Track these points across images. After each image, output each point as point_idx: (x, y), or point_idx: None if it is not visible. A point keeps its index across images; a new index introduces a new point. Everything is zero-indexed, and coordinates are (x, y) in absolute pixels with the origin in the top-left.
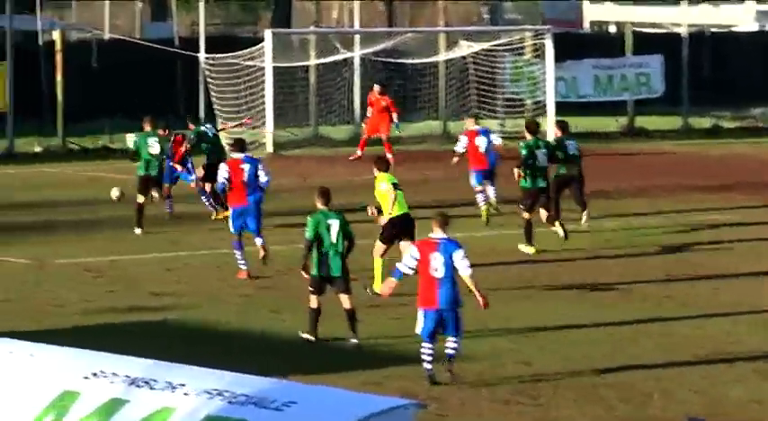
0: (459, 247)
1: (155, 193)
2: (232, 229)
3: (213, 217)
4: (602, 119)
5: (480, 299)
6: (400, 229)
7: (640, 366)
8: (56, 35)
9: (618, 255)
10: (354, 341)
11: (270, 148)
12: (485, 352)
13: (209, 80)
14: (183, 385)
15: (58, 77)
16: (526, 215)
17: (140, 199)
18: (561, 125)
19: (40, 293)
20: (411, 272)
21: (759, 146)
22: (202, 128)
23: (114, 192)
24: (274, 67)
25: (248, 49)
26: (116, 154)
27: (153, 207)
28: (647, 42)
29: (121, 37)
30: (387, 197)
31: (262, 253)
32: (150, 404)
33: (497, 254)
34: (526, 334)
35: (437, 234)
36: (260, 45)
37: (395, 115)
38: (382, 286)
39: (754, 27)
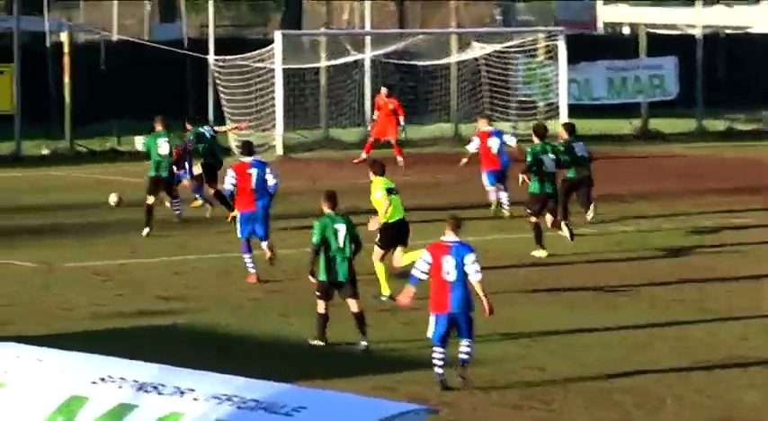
0: (471, 251)
1: (167, 204)
2: (240, 234)
3: (208, 214)
4: (616, 121)
5: (486, 305)
6: (396, 235)
7: (654, 371)
8: (63, 36)
9: (630, 257)
10: (364, 343)
11: (279, 151)
12: (496, 356)
13: (218, 82)
14: (192, 390)
15: (66, 79)
16: (534, 219)
17: (150, 200)
18: (567, 128)
19: (48, 297)
20: (425, 276)
21: None
22: (200, 129)
23: (112, 198)
24: (284, 69)
25: (258, 51)
26: (124, 156)
27: (161, 210)
28: (662, 44)
29: (130, 38)
30: (381, 204)
31: (268, 254)
32: (158, 409)
33: (509, 257)
34: (537, 338)
35: (449, 237)
36: (270, 47)
37: (401, 118)
38: (401, 296)
39: None
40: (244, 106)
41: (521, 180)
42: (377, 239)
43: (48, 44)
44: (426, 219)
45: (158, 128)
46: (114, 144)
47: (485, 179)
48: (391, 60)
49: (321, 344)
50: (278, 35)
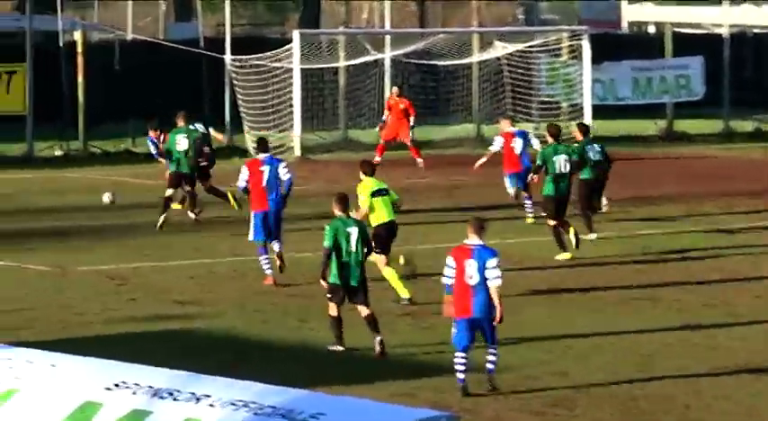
0: (494, 255)
1: (190, 214)
2: (251, 237)
3: (187, 209)
4: (641, 122)
5: (498, 313)
6: (389, 237)
7: (680, 377)
8: (77, 36)
9: (656, 260)
10: (379, 338)
11: (298, 152)
12: (518, 361)
13: (235, 82)
14: (208, 396)
15: (80, 79)
16: (551, 222)
17: (169, 192)
18: (582, 129)
19: (61, 301)
20: (453, 281)
21: None
22: (191, 126)
23: (105, 197)
24: (302, 69)
25: (276, 51)
26: (139, 158)
27: (176, 212)
28: (688, 43)
29: (145, 38)
30: (363, 207)
31: (278, 262)
32: (174, 415)
33: (531, 260)
34: (561, 343)
35: (472, 240)
36: (288, 46)
37: (412, 118)
38: (445, 308)
39: None
40: (261, 107)
41: (529, 179)
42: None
43: (61, 43)
44: (445, 221)
45: (180, 123)
46: (129, 145)
47: (506, 181)
48: (412, 60)
49: (340, 348)
50: (296, 34)
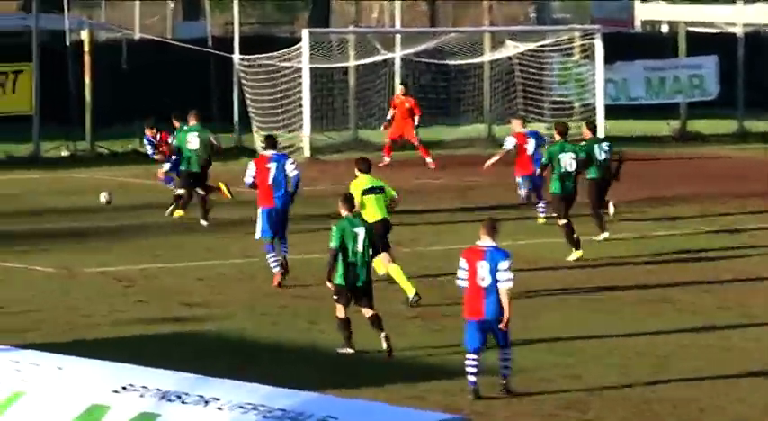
0: (506, 257)
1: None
2: (258, 235)
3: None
4: (654, 122)
5: (505, 316)
6: (384, 234)
7: (694, 379)
8: (84, 35)
9: (670, 260)
10: (384, 334)
11: (307, 153)
12: (530, 364)
13: (243, 82)
14: (217, 399)
15: (87, 79)
16: (561, 221)
17: (180, 191)
18: (590, 127)
19: (69, 303)
20: (466, 283)
21: None
22: (186, 127)
23: (103, 197)
24: (312, 69)
25: (285, 50)
26: (147, 158)
27: (184, 214)
28: (701, 43)
29: (152, 37)
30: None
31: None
32: (182, 418)
33: (544, 261)
34: (574, 345)
35: (485, 242)
36: (297, 45)
37: (417, 117)
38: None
39: None
40: (270, 107)
41: (537, 172)
42: None
43: (68, 43)
44: (457, 221)
45: (192, 122)
46: (136, 145)
47: (519, 183)
48: (422, 59)
49: (350, 351)
50: (305, 33)
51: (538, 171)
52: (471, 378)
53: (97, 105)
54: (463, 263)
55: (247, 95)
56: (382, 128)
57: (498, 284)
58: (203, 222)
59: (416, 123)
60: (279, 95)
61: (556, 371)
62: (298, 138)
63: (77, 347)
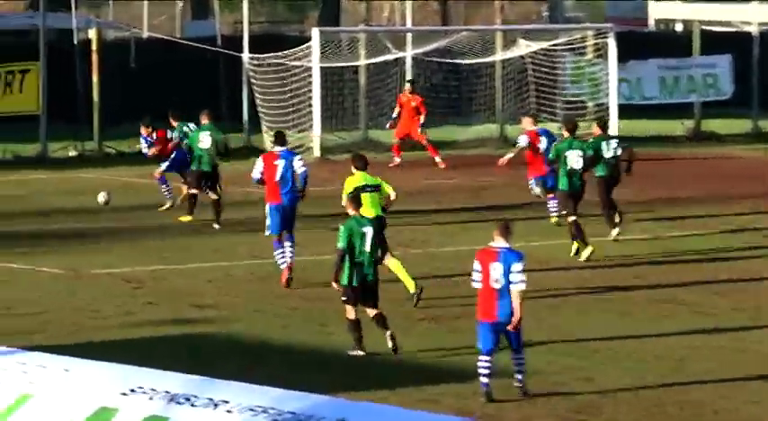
0: (520, 259)
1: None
2: (269, 231)
3: (162, 209)
4: (668, 122)
5: (515, 318)
6: (381, 230)
7: (708, 381)
8: (92, 34)
9: (683, 261)
10: (389, 332)
11: (317, 153)
12: (543, 366)
13: (253, 81)
14: (226, 402)
15: (94, 78)
16: (570, 219)
17: (193, 190)
18: (600, 124)
19: (76, 305)
20: (480, 285)
21: None
22: (185, 127)
23: (101, 197)
24: (322, 68)
25: (295, 49)
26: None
27: (197, 214)
28: (716, 41)
29: (161, 36)
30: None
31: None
32: None
33: (556, 262)
34: (587, 347)
35: (498, 243)
36: (307, 44)
37: (422, 116)
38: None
39: None
40: (279, 106)
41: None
42: None
43: (75, 42)
44: (467, 220)
45: (204, 121)
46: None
47: (532, 184)
48: (433, 59)
49: (360, 353)
50: (315, 32)
51: (546, 167)
52: (484, 380)
53: (105, 105)
54: (477, 264)
55: (257, 95)
56: (387, 126)
57: (510, 286)
58: (216, 226)
59: (421, 122)
60: (288, 95)
61: (568, 373)
62: (308, 138)
63: (85, 349)
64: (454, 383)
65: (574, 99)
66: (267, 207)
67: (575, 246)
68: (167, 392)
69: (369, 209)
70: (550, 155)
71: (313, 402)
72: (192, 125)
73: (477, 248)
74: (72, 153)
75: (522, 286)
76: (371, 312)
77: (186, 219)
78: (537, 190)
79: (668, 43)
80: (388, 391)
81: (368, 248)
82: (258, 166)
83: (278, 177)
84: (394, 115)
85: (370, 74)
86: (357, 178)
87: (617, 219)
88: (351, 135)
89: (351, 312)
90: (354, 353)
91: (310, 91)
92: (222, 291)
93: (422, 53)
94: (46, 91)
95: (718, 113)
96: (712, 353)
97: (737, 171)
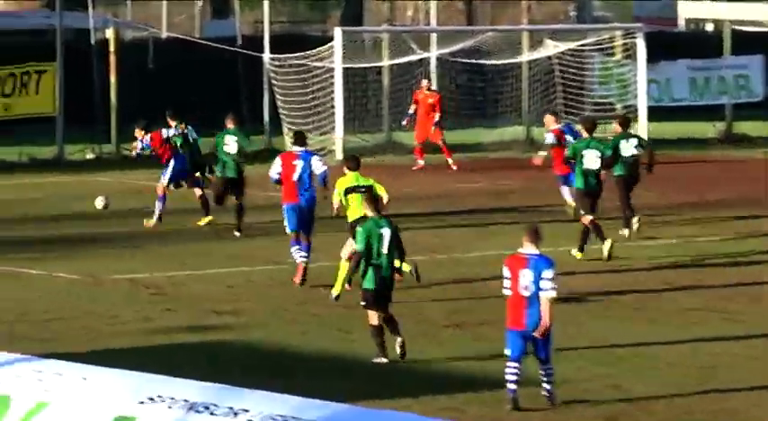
0: (550, 266)
1: (236, 233)
2: (288, 229)
3: (149, 223)
4: (698, 124)
5: (542, 324)
6: None
7: (740, 389)
8: (109, 33)
9: (714, 265)
10: (400, 339)
11: (339, 155)
12: (571, 374)
13: (273, 82)
14: (246, 410)
15: (112, 79)
16: (587, 218)
17: (198, 191)
18: (621, 121)
19: (93, 311)
20: (508, 292)
21: None
22: (186, 129)
23: (99, 202)
24: (344, 69)
25: (317, 49)
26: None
27: (216, 219)
28: (747, 42)
29: (180, 36)
30: (335, 202)
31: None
32: None
33: (584, 266)
34: (615, 353)
35: (527, 249)
36: (329, 44)
37: (437, 115)
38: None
39: None
40: (301, 108)
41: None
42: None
43: (93, 42)
44: (487, 222)
45: (229, 125)
46: None
47: (559, 183)
48: (459, 59)
49: (384, 360)
50: (338, 32)
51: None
52: (511, 386)
53: (123, 106)
54: (506, 271)
55: (278, 96)
56: (404, 122)
57: (540, 293)
58: (236, 233)
59: (436, 120)
60: (310, 96)
61: (596, 381)
62: (330, 141)
63: (102, 356)
64: (479, 391)
65: (602, 100)
66: (284, 207)
67: (636, 225)
68: (186, 401)
69: (357, 209)
70: (568, 152)
71: (334, 411)
72: (190, 128)
73: (503, 253)
74: (89, 156)
75: (553, 293)
76: (383, 315)
77: (205, 220)
78: (566, 192)
79: (698, 43)
80: (411, 400)
81: (385, 250)
82: (276, 166)
83: (296, 177)
84: (410, 111)
85: (394, 75)
86: (349, 179)
87: (634, 222)
88: (374, 137)
89: (373, 318)
90: (378, 360)
91: (332, 92)
92: (242, 297)
93: (447, 54)
94: (62, 92)
95: (749, 115)
96: (743, 361)
97: None
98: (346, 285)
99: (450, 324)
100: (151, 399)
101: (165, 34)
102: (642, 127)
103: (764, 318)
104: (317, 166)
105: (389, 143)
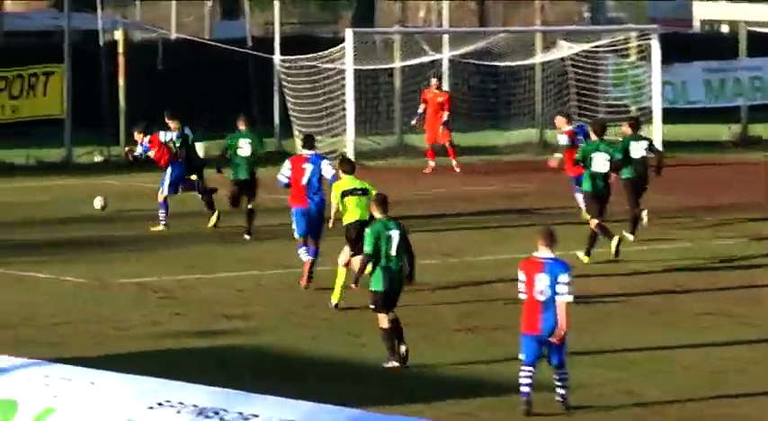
0: (567, 270)
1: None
2: (296, 234)
3: (155, 228)
4: (713, 126)
5: (558, 331)
6: (359, 235)
7: (754, 395)
8: (118, 35)
9: (728, 269)
10: (404, 348)
11: (351, 158)
12: (584, 378)
13: (284, 83)
14: (256, 416)
15: (121, 81)
16: (594, 221)
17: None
18: (631, 123)
19: (101, 315)
20: (525, 296)
21: None
22: (185, 131)
23: (97, 202)
24: (356, 70)
25: (327, 50)
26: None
27: (225, 222)
28: (763, 43)
29: (189, 37)
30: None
31: (304, 279)
32: None
33: (598, 269)
34: (629, 358)
35: (543, 253)
36: (340, 46)
37: (446, 113)
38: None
39: None
40: (312, 110)
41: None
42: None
43: (101, 43)
44: (502, 226)
45: (241, 127)
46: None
47: (573, 186)
48: (471, 61)
49: (395, 365)
50: (349, 33)
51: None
52: (525, 389)
53: (132, 108)
54: (521, 275)
55: (288, 98)
56: (413, 122)
57: (557, 297)
58: (246, 236)
59: (444, 119)
60: (321, 98)
61: (609, 386)
62: (341, 143)
63: (110, 361)
64: (491, 396)
65: (616, 102)
66: (292, 211)
67: (613, 243)
68: (195, 406)
69: (355, 213)
70: (577, 155)
71: (345, 416)
72: (188, 130)
73: (516, 257)
74: (97, 158)
75: (569, 298)
76: (390, 317)
77: (213, 220)
78: (579, 194)
79: (713, 45)
80: (422, 405)
81: (394, 252)
82: (285, 170)
83: (305, 181)
84: (419, 110)
85: (406, 76)
86: (345, 182)
87: (643, 215)
88: (385, 140)
89: (383, 321)
90: (389, 364)
91: (343, 94)
92: (251, 301)
93: (459, 55)
94: (70, 94)
95: (765, 117)
96: (758, 366)
97: None
98: (352, 286)
99: (462, 328)
100: (160, 404)
101: (174, 35)
102: (657, 129)
103: None
104: (327, 171)
105: (401, 146)
